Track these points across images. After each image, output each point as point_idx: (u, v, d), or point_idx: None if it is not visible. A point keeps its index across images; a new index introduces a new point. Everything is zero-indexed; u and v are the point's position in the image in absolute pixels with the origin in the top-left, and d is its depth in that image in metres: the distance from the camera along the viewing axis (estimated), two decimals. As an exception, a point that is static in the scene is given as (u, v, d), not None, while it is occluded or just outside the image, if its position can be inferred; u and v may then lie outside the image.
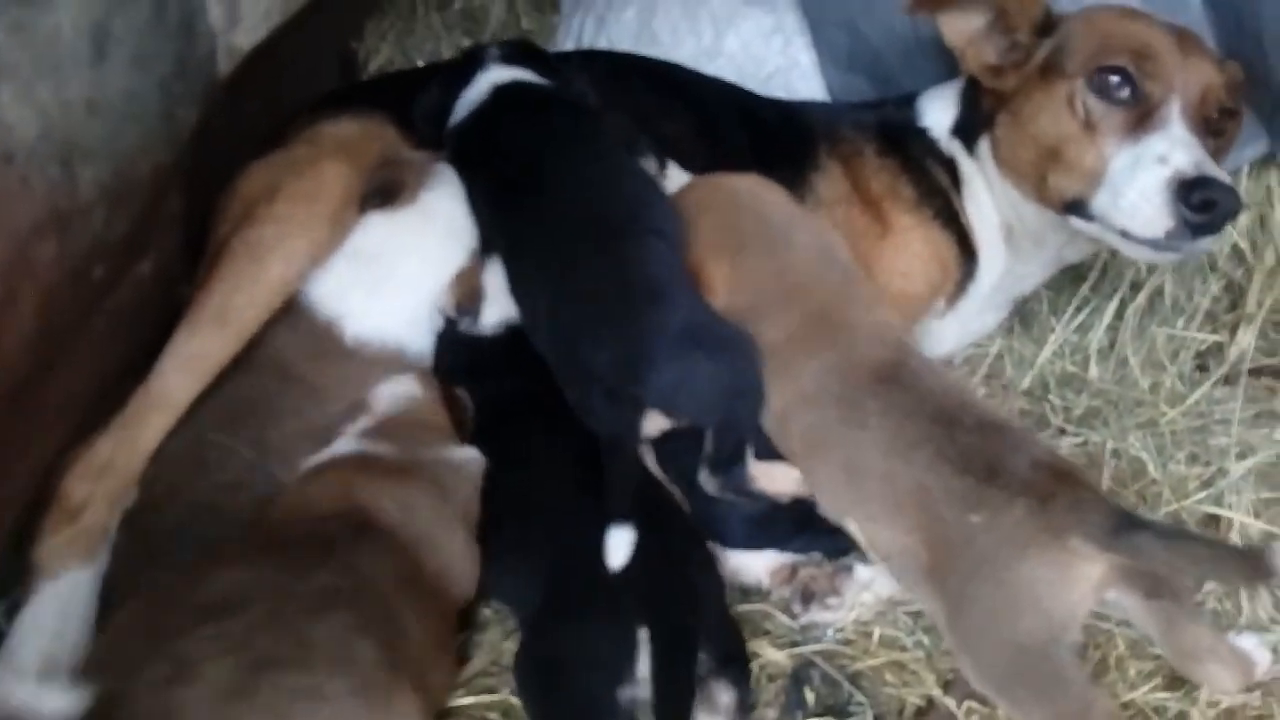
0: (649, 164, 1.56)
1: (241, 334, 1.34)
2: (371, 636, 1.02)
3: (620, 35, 2.09)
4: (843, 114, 1.80)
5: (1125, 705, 1.25)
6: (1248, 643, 1.29)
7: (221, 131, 1.36)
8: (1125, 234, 1.42)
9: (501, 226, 1.44)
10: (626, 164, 1.50)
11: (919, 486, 1.24)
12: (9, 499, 1.10)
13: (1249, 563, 1.13)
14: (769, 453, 1.35)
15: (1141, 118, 1.43)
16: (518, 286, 1.40)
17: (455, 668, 1.23)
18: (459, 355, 1.44)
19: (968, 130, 1.66)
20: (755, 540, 1.38)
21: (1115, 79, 1.45)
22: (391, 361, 1.41)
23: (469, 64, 1.61)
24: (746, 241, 1.45)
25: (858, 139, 1.72)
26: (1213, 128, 1.48)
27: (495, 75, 1.56)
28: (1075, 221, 1.51)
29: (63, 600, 1.18)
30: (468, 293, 1.43)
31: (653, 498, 1.30)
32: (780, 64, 2.01)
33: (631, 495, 1.20)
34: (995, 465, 1.21)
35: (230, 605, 0.99)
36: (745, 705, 1.18)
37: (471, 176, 1.50)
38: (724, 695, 1.17)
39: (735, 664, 1.20)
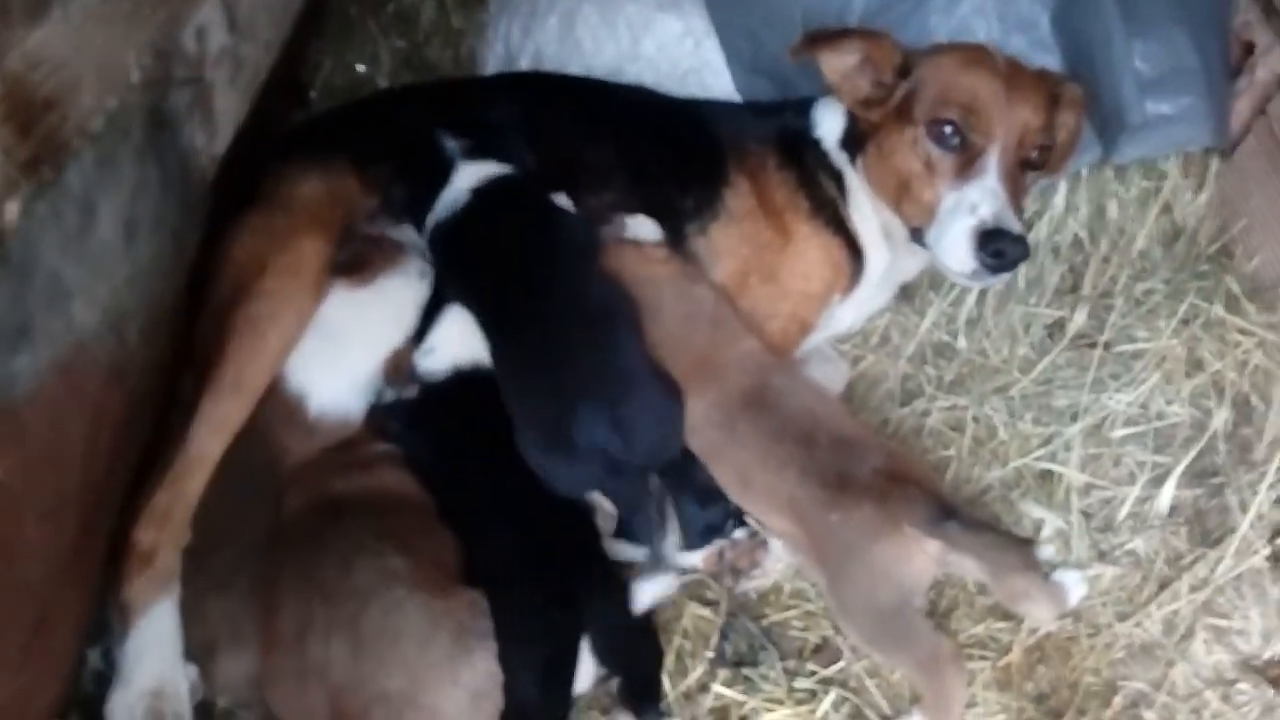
0: (616, 226, 1.81)
1: (253, 398, 1.58)
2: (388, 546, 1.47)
3: (545, 40, 2.27)
4: (748, 124, 2.03)
5: (971, 636, 1.66)
6: (1069, 577, 1.68)
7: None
8: (944, 266, 1.72)
9: (482, 307, 1.68)
10: (594, 255, 1.75)
11: (791, 497, 1.61)
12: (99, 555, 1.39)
13: (1022, 554, 1.54)
14: None
15: (967, 163, 1.68)
16: (498, 354, 1.66)
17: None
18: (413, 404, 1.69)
19: (851, 145, 1.90)
20: (706, 539, 1.68)
21: (948, 129, 1.70)
22: (343, 430, 1.65)
23: (425, 148, 1.81)
24: None
25: (761, 152, 1.96)
26: (1031, 164, 1.74)
27: (471, 174, 1.76)
28: (915, 246, 1.80)
29: (157, 628, 1.43)
30: (398, 369, 1.69)
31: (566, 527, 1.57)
32: (693, 63, 2.22)
33: None
34: (845, 476, 1.59)
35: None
36: None
37: (455, 269, 1.72)
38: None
39: (639, 687, 1.48)
